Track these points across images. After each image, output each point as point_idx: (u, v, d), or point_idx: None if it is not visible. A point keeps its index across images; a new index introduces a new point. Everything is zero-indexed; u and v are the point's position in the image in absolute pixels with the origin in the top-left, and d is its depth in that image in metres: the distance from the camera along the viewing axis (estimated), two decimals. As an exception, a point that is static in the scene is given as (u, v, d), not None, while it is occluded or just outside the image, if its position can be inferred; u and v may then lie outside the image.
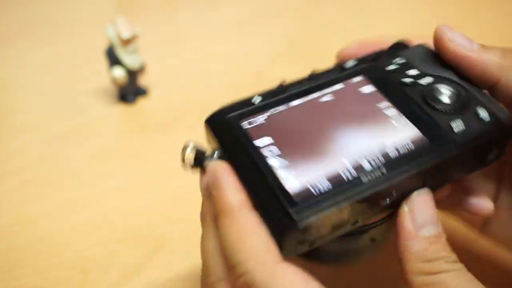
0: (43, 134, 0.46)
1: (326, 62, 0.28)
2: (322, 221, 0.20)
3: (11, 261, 0.35)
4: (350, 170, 0.21)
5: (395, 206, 0.22)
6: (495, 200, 0.29)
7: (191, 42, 0.60)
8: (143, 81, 0.51)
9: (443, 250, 0.21)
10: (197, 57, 0.58)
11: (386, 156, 0.22)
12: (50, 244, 0.36)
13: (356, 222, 0.22)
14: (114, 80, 0.48)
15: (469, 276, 0.21)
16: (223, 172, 0.22)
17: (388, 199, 0.22)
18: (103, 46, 0.48)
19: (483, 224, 0.30)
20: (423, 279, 0.21)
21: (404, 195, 0.22)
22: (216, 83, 0.54)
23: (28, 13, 0.64)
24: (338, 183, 0.21)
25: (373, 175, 0.21)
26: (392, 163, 0.22)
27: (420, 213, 0.22)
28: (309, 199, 0.20)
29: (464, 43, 0.25)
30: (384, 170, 0.21)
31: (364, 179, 0.21)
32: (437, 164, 0.22)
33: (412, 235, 0.22)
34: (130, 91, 0.50)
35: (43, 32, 0.61)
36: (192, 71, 0.55)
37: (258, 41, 0.61)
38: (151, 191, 0.40)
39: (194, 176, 0.24)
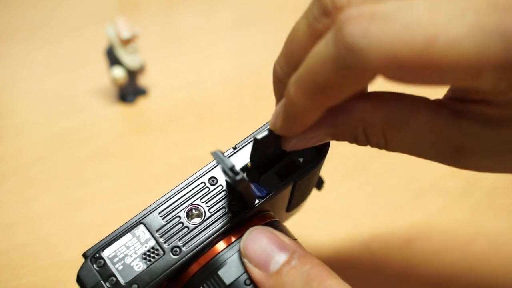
0: (43, 134, 0.46)
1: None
2: None
3: (11, 261, 0.35)
4: None
5: None
6: None
7: (191, 42, 0.60)
8: (143, 81, 0.52)
9: (299, 274, 0.19)
10: (196, 57, 0.58)
11: None
12: (50, 244, 0.36)
13: None
14: (114, 80, 0.48)
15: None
16: None
17: None
18: (103, 46, 0.48)
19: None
20: None
21: None
22: (215, 83, 0.54)
23: (28, 13, 0.64)
24: None
25: None
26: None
27: (256, 254, 0.20)
28: None
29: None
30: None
31: None
32: None
33: (264, 280, 0.20)
34: (130, 91, 0.50)
35: (43, 32, 0.61)
36: (192, 71, 0.55)
37: (258, 41, 0.61)
38: (151, 191, 0.40)
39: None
